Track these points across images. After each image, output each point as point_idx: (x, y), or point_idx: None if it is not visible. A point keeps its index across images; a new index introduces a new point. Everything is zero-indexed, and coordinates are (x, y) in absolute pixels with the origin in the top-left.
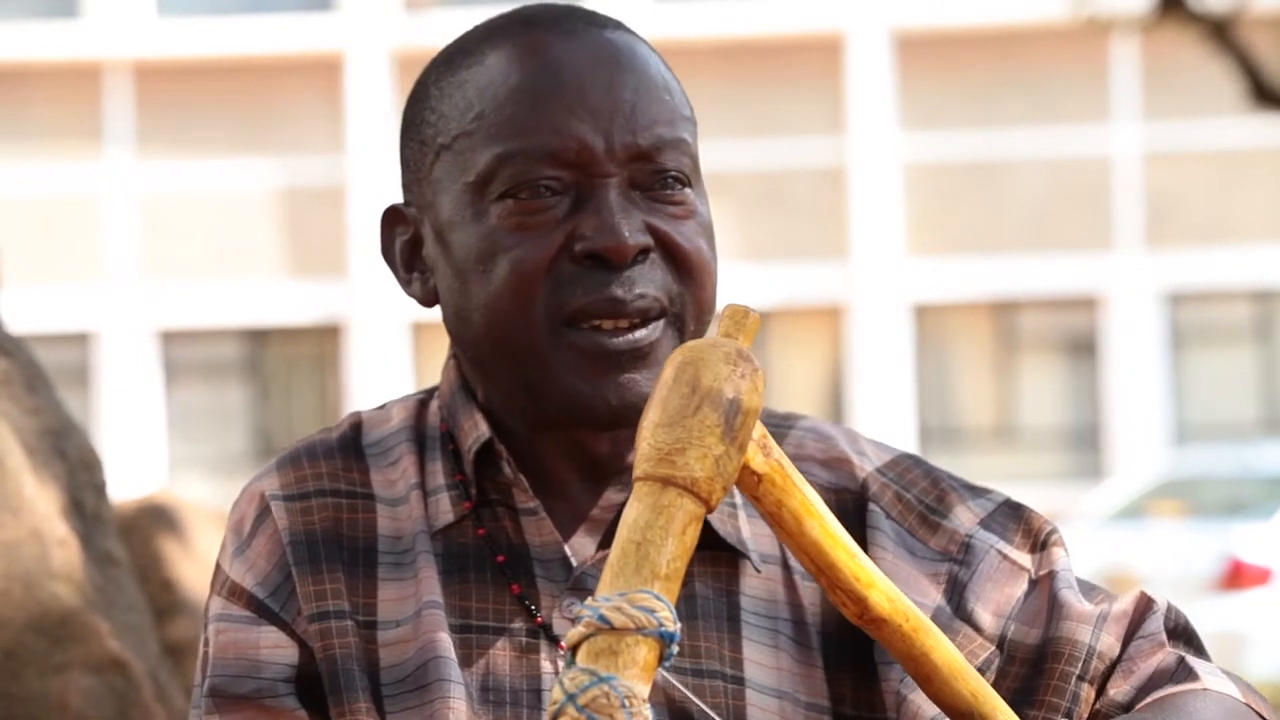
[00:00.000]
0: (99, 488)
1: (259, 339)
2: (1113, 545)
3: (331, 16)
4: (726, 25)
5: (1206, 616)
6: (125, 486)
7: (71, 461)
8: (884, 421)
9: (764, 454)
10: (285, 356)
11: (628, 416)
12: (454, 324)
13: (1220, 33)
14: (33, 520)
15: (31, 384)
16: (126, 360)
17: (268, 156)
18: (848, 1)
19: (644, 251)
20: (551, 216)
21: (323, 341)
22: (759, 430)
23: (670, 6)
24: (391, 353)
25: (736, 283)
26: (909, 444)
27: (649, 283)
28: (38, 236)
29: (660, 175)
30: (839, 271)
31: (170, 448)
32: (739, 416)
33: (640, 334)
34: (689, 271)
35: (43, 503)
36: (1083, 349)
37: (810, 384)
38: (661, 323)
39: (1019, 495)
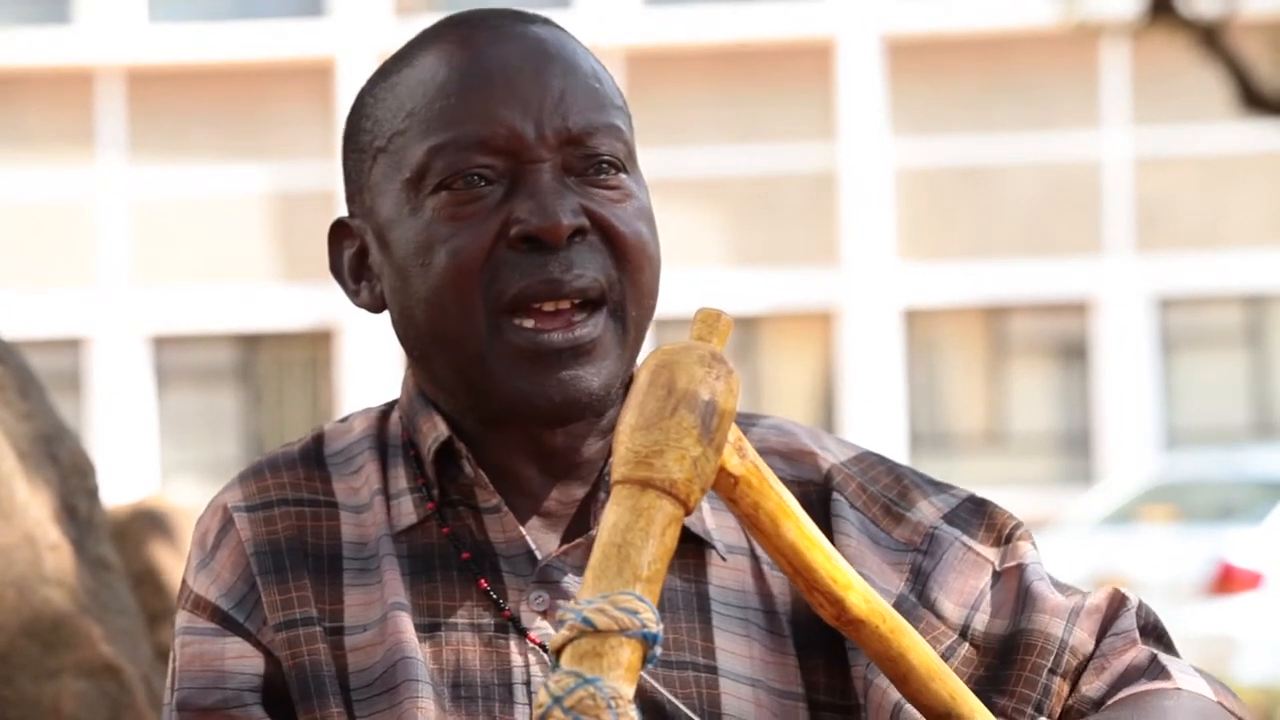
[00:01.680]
0: (91, 493)
1: (251, 344)
2: (1103, 550)
3: (323, 22)
4: (717, 31)
5: (1197, 621)
6: (118, 491)
7: (64, 466)
8: (875, 427)
9: (740, 456)
10: (277, 361)
11: (572, 412)
12: (400, 324)
13: (1210, 38)
14: (25, 525)
15: (24, 389)
16: (119, 365)
17: (260, 162)
18: (838, 7)
19: (579, 232)
20: (486, 205)
21: (315, 346)
22: (734, 433)
23: (660, 12)
24: (383, 358)
25: (728, 288)
26: (899, 449)
27: (587, 264)
28: (30, 241)
29: (594, 160)
30: (830, 277)
31: (162, 453)
32: (715, 418)
33: (581, 331)
34: (626, 254)
35: (35, 508)
36: (1073, 354)
37: (801, 389)
38: (602, 314)
39: (1009, 499)
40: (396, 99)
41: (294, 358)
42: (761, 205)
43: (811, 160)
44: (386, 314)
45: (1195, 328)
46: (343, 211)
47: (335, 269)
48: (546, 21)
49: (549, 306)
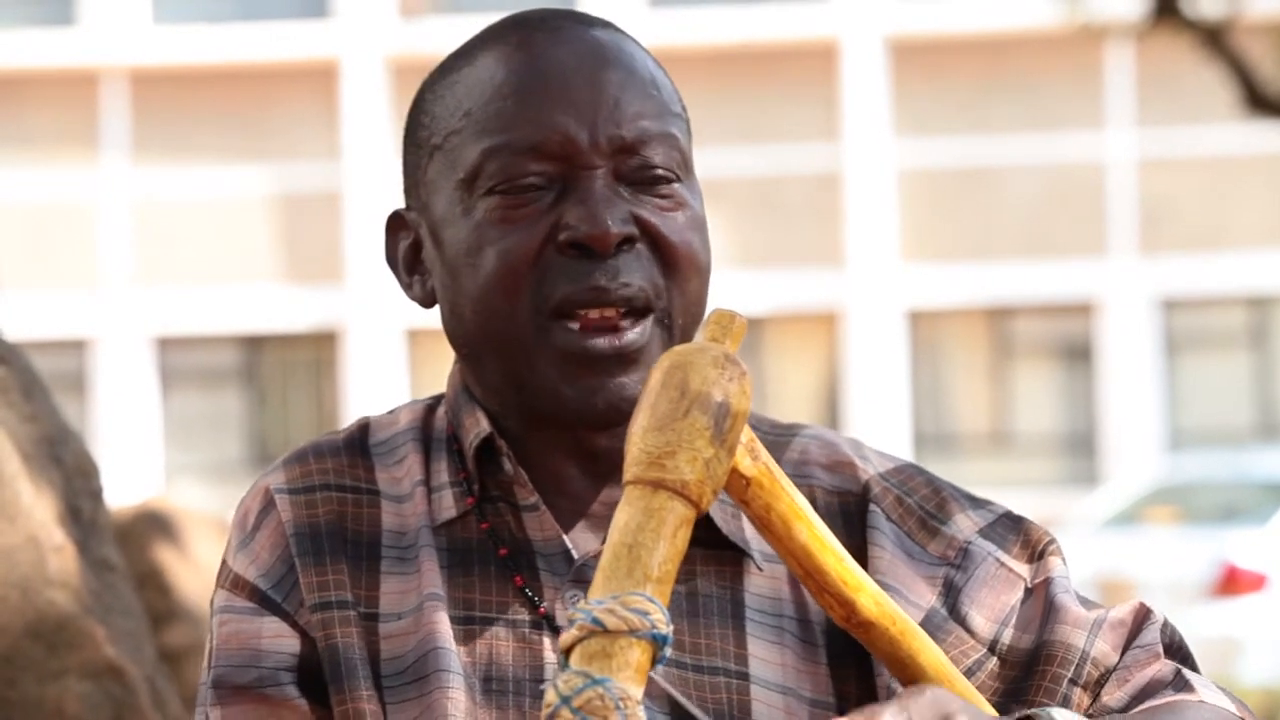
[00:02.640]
0: (96, 494)
1: (255, 345)
2: (1108, 551)
3: (327, 24)
4: (721, 31)
5: (1202, 622)
6: (122, 493)
7: (68, 468)
8: (879, 427)
9: (752, 458)
10: (282, 363)
11: (615, 419)
12: (449, 321)
13: (1214, 39)
14: (30, 527)
15: (28, 391)
16: (123, 367)
17: (264, 163)
18: (842, 8)
19: (628, 240)
20: (536, 209)
21: (319, 348)
22: (747, 434)
23: (665, 13)
24: (388, 359)
25: (732, 289)
26: (905, 450)
27: (634, 273)
28: (34, 243)
29: (647, 168)
30: (834, 278)
31: (167, 454)
32: (728, 419)
33: (628, 338)
34: (676, 264)
35: (40, 509)
36: (1078, 355)
37: (806, 390)
38: (649, 322)
39: (1014, 501)
40: (455, 97)
41: (298, 359)
42: (765, 206)
43: (815, 161)
44: (422, 309)
45: (1199, 329)
46: (347, 212)
47: (391, 260)
48: (607, 24)
49: (594, 313)
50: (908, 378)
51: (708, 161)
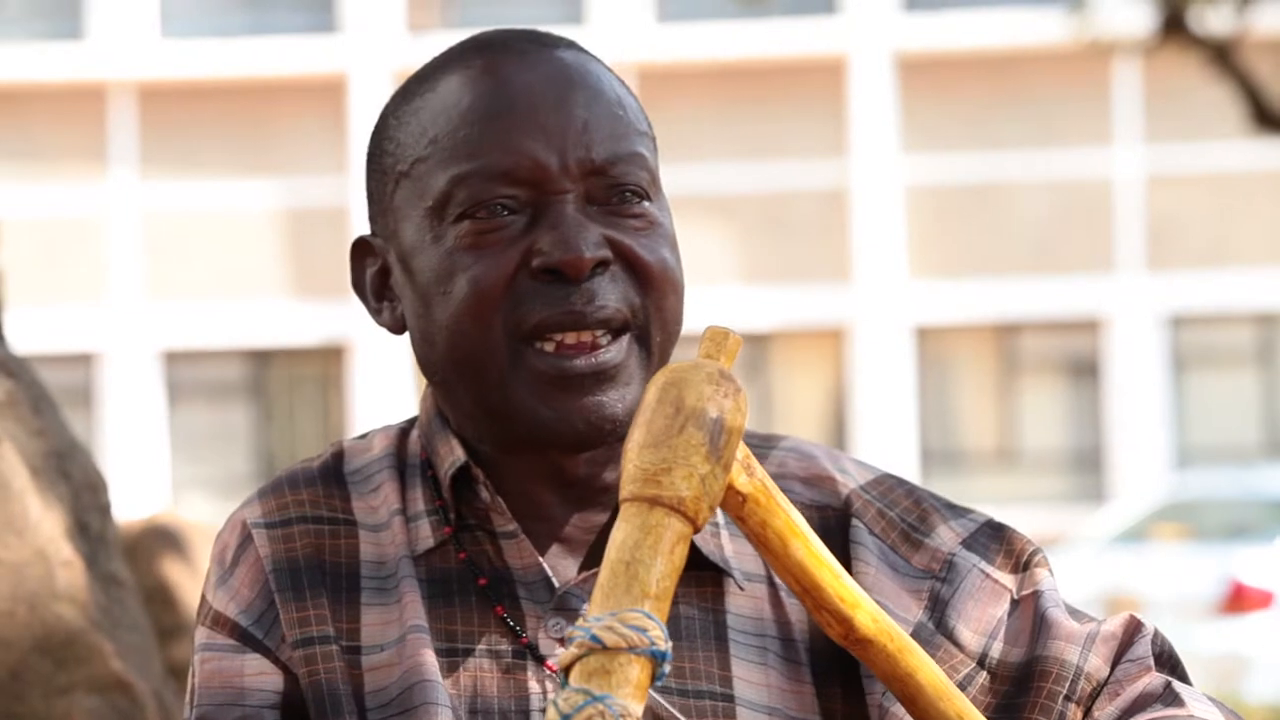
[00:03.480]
0: (104, 509)
1: (262, 360)
2: (1114, 568)
3: (335, 38)
4: (728, 48)
5: (1208, 640)
6: (129, 508)
7: (76, 483)
8: (886, 444)
9: (748, 474)
10: (289, 378)
11: (595, 439)
12: (420, 348)
13: (1222, 56)
14: (38, 541)
15: (36, 405)
16: (130, 381)
17: (271, 178)
18: (849, 24)
19: (602, 264)
20: (508, 235)
21: (326, 363)
22: (742, 451)
23: (672, 29)
24: (394, 374)
25: (738, 305)
26: (910, 466)
27: (609, 294)
28: (42, 257)
29: (617, 189)
30: (841, 294)
31: (174, 469)
32: (723, 436)
33: (605, 356)
34: (650, 282)
35: (48, 524)
36: (1084, 371)
37: (812, 407)
38: (626, 339)
39: (1020, 518)
40: (419, 123)
41: (305, 374)
42: (772, 222)
43: (822, 177)
44: (405, 335)
45: (1206, 346)
46: (354, 227)
47: (358, 286)
48: (570, 45)
49: (570, 337)
50: (915, 394)
51: (715, 178)
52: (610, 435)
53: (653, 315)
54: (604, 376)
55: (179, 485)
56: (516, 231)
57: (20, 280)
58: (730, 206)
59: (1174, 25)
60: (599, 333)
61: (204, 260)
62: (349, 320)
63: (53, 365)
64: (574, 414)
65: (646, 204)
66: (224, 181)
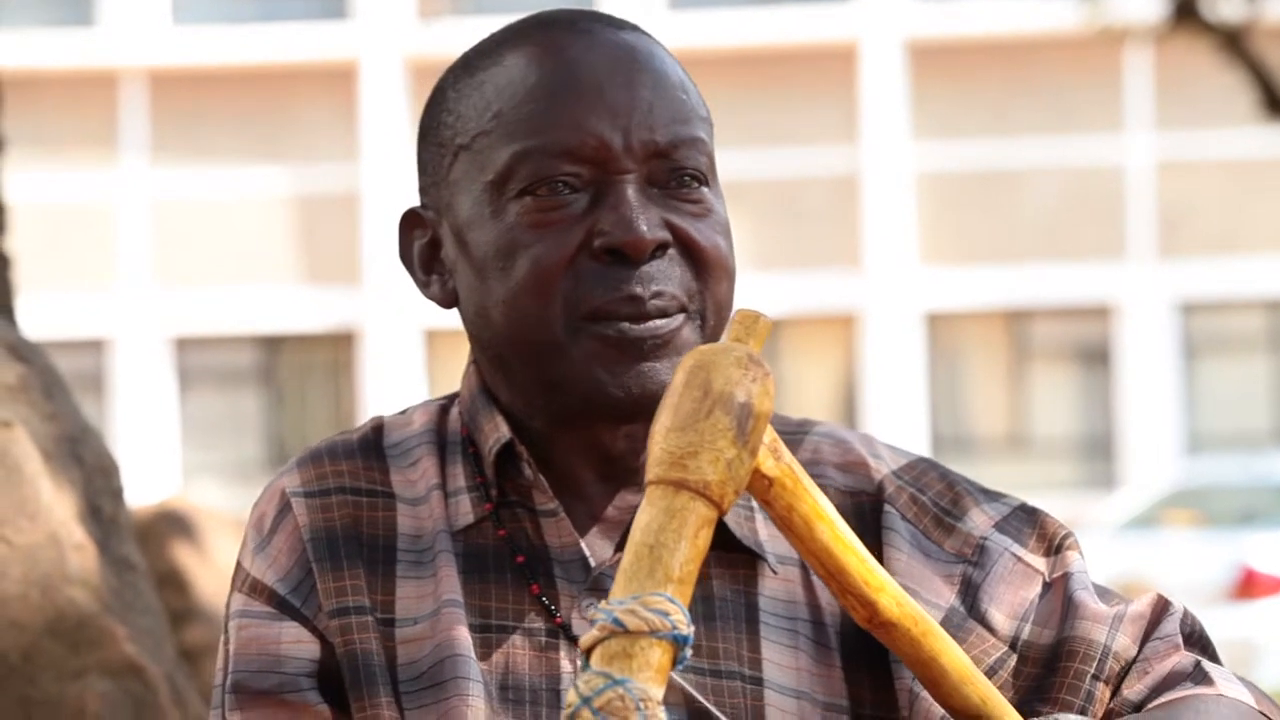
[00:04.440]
0: (116, 493)
1: (273, 346)
2: (1125, 554)
3: (346, 25)
4: (741, 34)
5: (1219, 625)
6: (140, 493)
7: (89, 467)
8: (896, 430)
9: (775, 458)
10: (299, 363)
11: (646, 407)
12: (474, 323)
13: (1233, 43)
14: (50, 525)
15: (48, 390)
16: (141, 367)
17: (282, 164)
18: (861, 11)
19: (662, 247)
20: (570, 213)
21: (337, 348)
22: (770, 435)
23: (685, 15)
24: (405, 360)
25: (750, 291)
26: (922, 453)
27: (667, 280)
28: (53, 243)
29: (678, 173)
30: (852, 280)
31: (185, 454)
32: (751, 420)
33: (662, 325)
34: (706, 268)
35: (60, 508)
36: (1095, 358)
37: (823, 393)
38: (681, 315)
39: (1031, 504)
40: (483, 97)
41: (316, 360)
42: (784, 209)
43: (834, 164)
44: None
45: (1217, 332)
46: (365, 213)
47: (405, 258)
48: (635, 28)
49: (626, 324)
50: (925, 380)
51: (727, 164)
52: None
53: (708, 301)
54: (660, 344)
55: (190, 471)
56: (578, 211)
57: (31, 266)
58: (741, 192)
59: (1186, 12)
60: (654, 317)
61: (215, 246)
62: (360, 306)
63: (64, 351)
64: (629, 378)
65: (704, 189)
66: (235, 168)
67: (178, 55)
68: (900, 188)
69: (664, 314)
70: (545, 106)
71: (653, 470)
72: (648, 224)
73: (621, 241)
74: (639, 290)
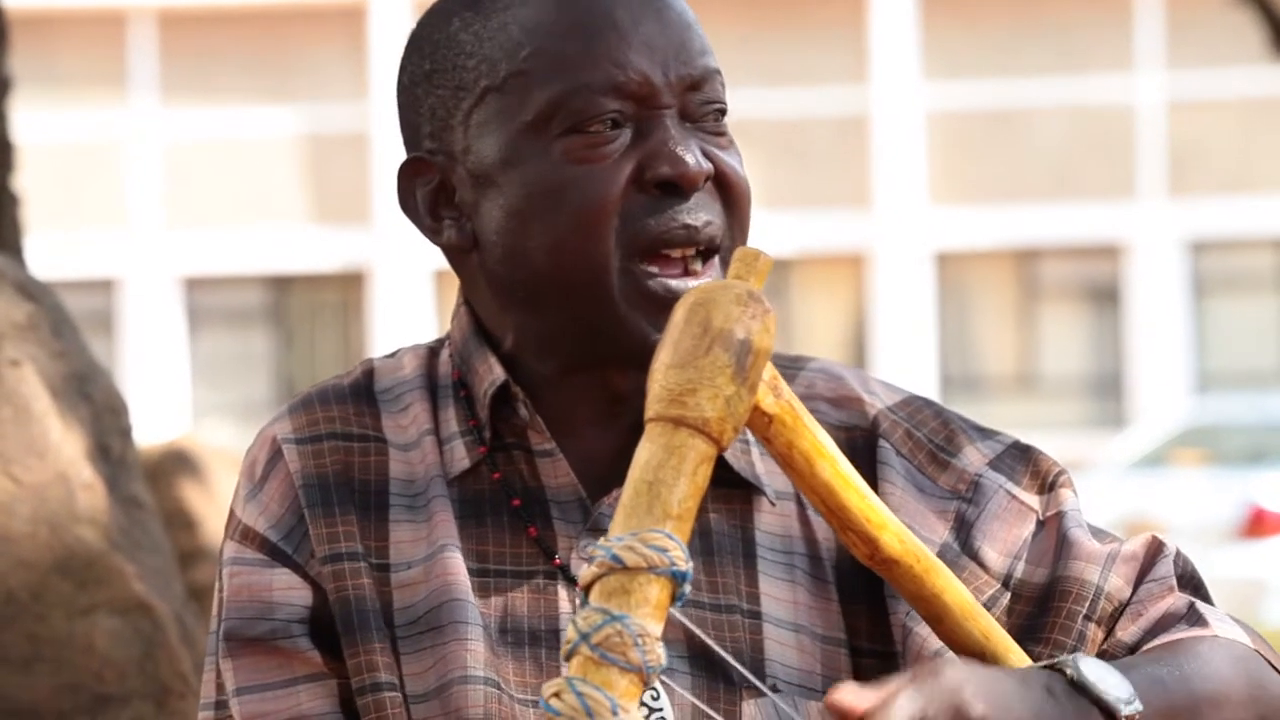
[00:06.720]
0: (124, 432)
1: (283, 286)
2: (1134, 493)
3: None
4: None
5: (1227, 564)
6: (149, 432)
7: (97, 406)
8: (906, 369)
9: (775, 395)
10: (309, 303)
11: None
12: (502, 265)
13: None
14: (59, 464)
15: (57, 329)
16: (151, 306)
17: (292, 103)
18: None
19: (707, 178)
20: (615, 149)
21: (346, 289)
22: (770, 371)
23: None
24: (415, 300)
25: (759, 231)
26: (931, 392)
27: (710, 211)
28: (63, 183)
29: (707, 105)
30: (861, 220)
31: (194, 394)
32: (750, 357)
33: (705, 279)
34: (735, 200)
35: (69, 447)
36: (1105, 297)
37: (832, 332)
38: (715, 261)
39: (1040, 443)
40: (509, 38)
41: (325, 300)
42: (792, 148)
43: (843, 103)
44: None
45: (1227, 271)
46: (375, 152)
47: (408, 207)
48: None
49: (676, 253)
50: (935, 320)
51: (736, 104)
52: None
53: (736, 234)
54: None
55: (199, 411)
56: (623, 146)
57: (41, 206)
58: (751, 132)
59: None
60: (690, 253)
61: (224, 186)
62: (369, 246)
63: (73, 291)
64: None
65: (725, 122)
66: (244, 107)
67: None
68: (910, 127)
69: (710, 243)
70: (583, 44)
71: (652, 407)
72: (695, 156)
73: (677, 174)
74: (691, 219)
